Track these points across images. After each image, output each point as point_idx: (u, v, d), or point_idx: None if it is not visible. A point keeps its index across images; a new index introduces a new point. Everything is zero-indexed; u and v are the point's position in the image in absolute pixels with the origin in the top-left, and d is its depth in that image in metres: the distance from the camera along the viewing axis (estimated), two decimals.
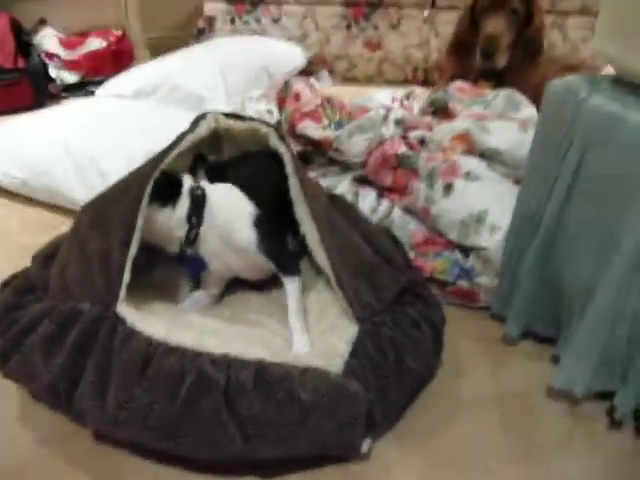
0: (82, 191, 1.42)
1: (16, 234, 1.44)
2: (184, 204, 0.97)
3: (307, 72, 2.70)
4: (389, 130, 1.36)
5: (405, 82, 2.74)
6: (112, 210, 0.93)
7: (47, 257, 0.98)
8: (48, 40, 2.55)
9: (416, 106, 2.13)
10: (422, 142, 1.30)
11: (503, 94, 1.43)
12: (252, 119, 1.18)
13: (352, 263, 0.97)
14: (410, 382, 0.90)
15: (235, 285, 1.10)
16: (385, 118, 1.37)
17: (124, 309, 0.82)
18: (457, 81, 1.56)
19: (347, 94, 2.51)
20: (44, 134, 1.56)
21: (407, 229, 1.23)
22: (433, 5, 2.61)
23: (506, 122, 1.28)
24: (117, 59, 2.71)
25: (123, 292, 0.84)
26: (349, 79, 2.79)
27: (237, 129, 1.16)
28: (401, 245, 1.19)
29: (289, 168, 1.06)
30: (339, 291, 0.93)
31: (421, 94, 2.24)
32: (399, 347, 0.89)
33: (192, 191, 0.98)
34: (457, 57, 1.75)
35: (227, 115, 1.18)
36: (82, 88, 2.54)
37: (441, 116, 1.43)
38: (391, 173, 1.27)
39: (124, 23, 2.78)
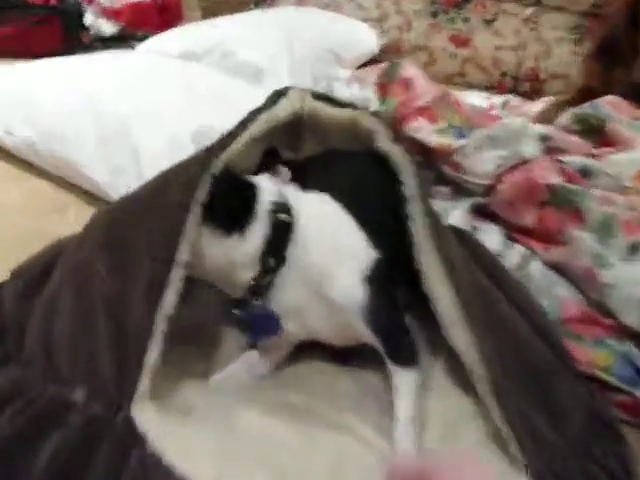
0: (102, 169, 1.06)
1: (14, 213, 1.09)
2: (259, 232, 0.61)
3: (378, 61, 2.34)
4: (530, 149, 0.99)
5: (489, 88, 2.36)
6: (139, 226, 0.57)
7: (33, 282, 0.62)
8: None
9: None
10: (584, 174, 0.93)
11: None
12: (351, 105, 0.82)
13: (515, 363, 0.61)
14: None
15: (310, 347, 0.74)
16: (525, 131, 1.01)
17: (145, 414, 0.46)
18: (607, 96, 1.18)
19: None
20: (66, 87, 1.20)
21: (553, 294, 0.86)
22: (538, 3, 2.22)
23: None
24: (163, 15, 2.37)
25: (145, 382, 0.47)
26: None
27: (329, 117, 0.80)
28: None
29: (410, 188, 0.70)
30: (497, 411, 0.56)
31: (520, 106, 1.87)
32: None
33: (274, 212, 0.62)
34: (600, 64, 1.37)
35: (316, 95, 0.82)
36: (120, 42, 2.19)
37: (596, 140, 1.06)
38: (535, 210, 0.90)
39: None
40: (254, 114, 0.77)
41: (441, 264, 0.65)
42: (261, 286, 0.62)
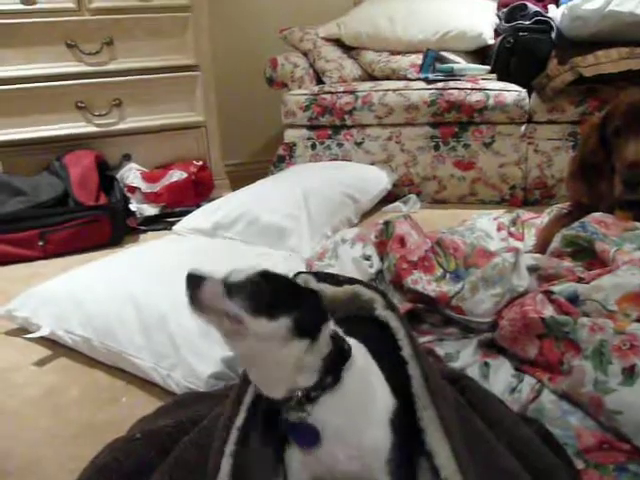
0: (149, 358, 1.20)
1: (72, 409, 1.22)
2: (324, 346, 0.69)
3: (393, 195, 2.53)
4: (522, 281, 1.08)
5: (501, 202, 2.49)
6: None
7: None
8: (130, 174, 2.53)
9: (527, 234, 1.86)
10: (573, 300, 1.00)
11: None
12: (351, 280, 0.95)
13: None
14: None
15: None
16: (515, 265, 1.09)
17: None
18: (595, 213, 1.27)
19: (438, 218, 2.29)
20: (112, 286, 1.39)
21: (567, 424, 0.89)
22: (530, 120, 2.40)
23: None
24: (197, 189, 2.65)
25: None
26: (439, 201, 2.57)
27: (333, 294, 0.92)
28: (563, 451, 0.85)
29: (406, 350, 0.79)
30: None
31: (529, 219, 1.97)
32: None
33: (335, 337, 0.71)
34: (584, 183, 1.47)
35: (319, 276, 0.95)
36: (161, 220, 2.47)
37: (587, 261, 1.13)
38: (536, 342, 0.97)
39: (204, 153, 2.75)
40: None
41: (438, 421, 0.72)
42: (309, 398, 0.68)
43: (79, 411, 1.20)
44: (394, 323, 0.83)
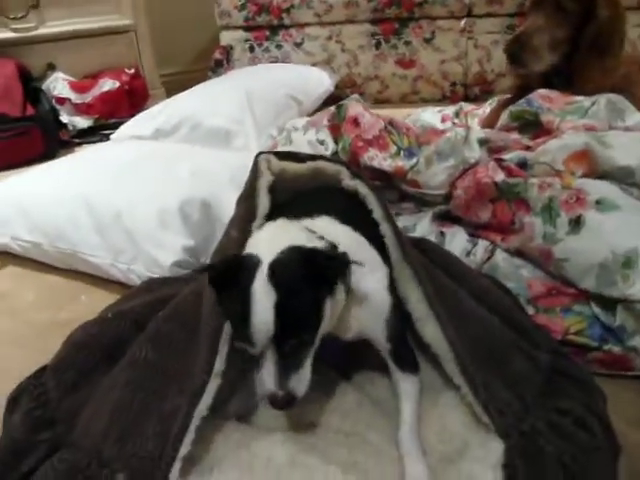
0: (106, 255, 1.18)
1: (31, 310, 1.19)
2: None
3: (336, 96, 2.49)
4: (473, 152, 1.11)
5: (443, 100, 2.51)
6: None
7: (75, 376, 0.72)
8: (58, 85, 2.36)
9: (471, 123, 1.90)
10: (522, 165, 1.05)
11: (604, 100, 1.18)
12: (313, 157, 0.94)
13: (475, 343, 0.71)
14: None
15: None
16: (466, 139, 1.13)
17: None
18: (540, 90, 1.31)
19: None
20: (58, 189, 1.33)
21: (519, 277, 0.96)
22: (469, 14, 2.39)
23: (627, 133, 1.02)
24: (131, 99, 2.51)
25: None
26: (381, 101, 2.56)
27: (295, 171, 0.92)
28: (516, 299, 0.93)
29: (377, 212, 0.81)
30: (467, 390, 0.66)
31: (472, 110, 2.00)
32: (570, 465, 0.62)
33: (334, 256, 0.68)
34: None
35: (280, 155, 0.94)
36: (96, 133, 2.34)
37: (533, 132, 1.18)
38: (489, 206, 1.02)
39: (137, 61, 2.59)
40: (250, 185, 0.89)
41: (409, 270, 0.76)
42: None
43: (39, 312, 1.18)
44: (363, 190, 0.84)
